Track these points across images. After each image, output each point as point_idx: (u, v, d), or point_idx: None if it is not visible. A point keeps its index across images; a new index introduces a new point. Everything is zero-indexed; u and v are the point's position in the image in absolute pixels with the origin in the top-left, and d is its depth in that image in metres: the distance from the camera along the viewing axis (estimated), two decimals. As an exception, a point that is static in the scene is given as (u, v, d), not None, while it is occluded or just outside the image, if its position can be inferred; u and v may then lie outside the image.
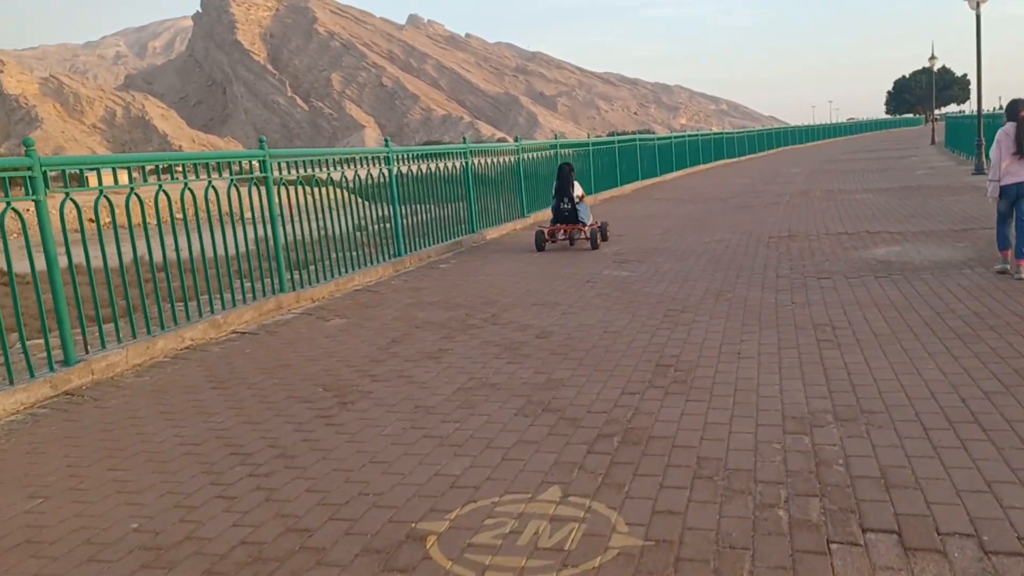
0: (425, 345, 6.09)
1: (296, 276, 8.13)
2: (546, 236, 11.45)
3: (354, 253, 9.39)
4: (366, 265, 9.42)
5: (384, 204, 10.14)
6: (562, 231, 11.52)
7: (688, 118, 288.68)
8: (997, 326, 5.58)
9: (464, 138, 13.26)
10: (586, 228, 11.32)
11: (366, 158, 9.98)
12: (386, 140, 11.83)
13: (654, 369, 5.09)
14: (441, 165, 12.02)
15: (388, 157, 10.37)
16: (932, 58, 44.78)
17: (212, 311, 6.86)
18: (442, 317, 7.09)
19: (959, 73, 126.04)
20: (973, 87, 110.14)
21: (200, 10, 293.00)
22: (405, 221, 10.57)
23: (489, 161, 13.67)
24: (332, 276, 8.64)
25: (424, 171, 11.20)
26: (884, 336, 5.52)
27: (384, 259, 9.90)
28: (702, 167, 32.32)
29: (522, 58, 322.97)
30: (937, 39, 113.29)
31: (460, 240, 11.93)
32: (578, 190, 11.55)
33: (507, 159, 14.55)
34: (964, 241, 9.54)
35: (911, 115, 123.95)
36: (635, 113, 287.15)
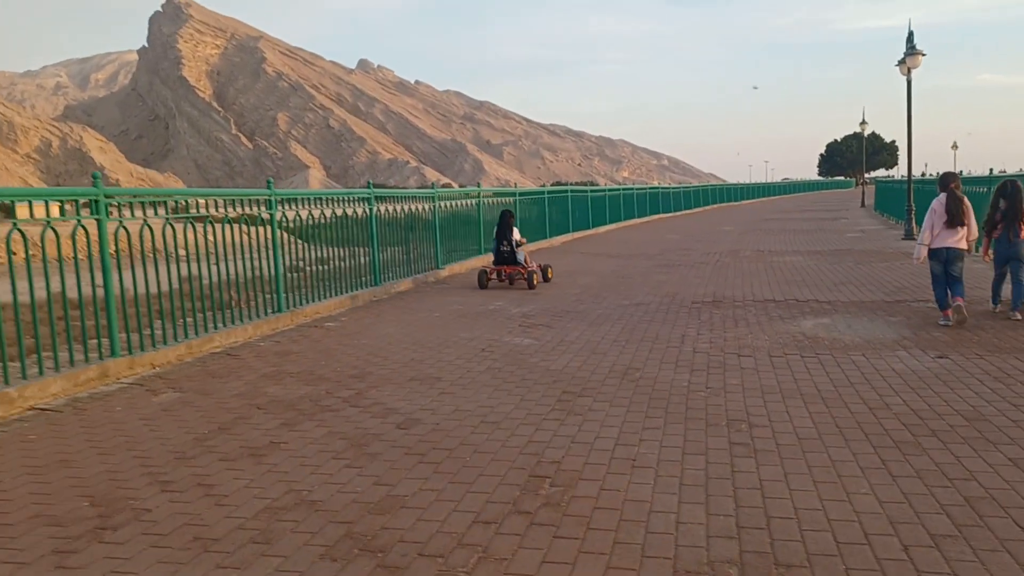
0: (255, 436, 4.92)
1: (137, 336, 6.88)
2: (489, 275, 12.39)
3: (234, 306, 8.22)
4: (238, 322, 8.20)
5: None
6: (502, 271, 12.46)
7: (631, 171, 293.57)
8: (940, 430, 4.68)
9: (368, 183, 12.24)
10: (525, 269, 12.29)
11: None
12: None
13: (525, 482, 4.02)
14: (349, 210, 10.96)
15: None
16: (863, 123, 45.74)
17: (6, 381, 5.55)
18: (296, 394, 5.92)
19: (888, 139, 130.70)
20: (901, 153, 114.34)
21: (146, 44, 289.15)
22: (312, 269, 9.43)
23: (401, 208, 12.64)
24: (186, 336, 7.39)
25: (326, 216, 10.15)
26: (809, 441, 4.56)
27: (264, 314, 8.69)
28: (637, 221, 31.87)
29: (470, 106, 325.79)
30: (868, 106, 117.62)
31: (356, 294, 10.78)
32: (516, 235, 12.53)
33: (422, 206, 13.54)
34: (898, 315, 8.81)
35: (842, 177, 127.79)
36: (579, 164, 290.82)
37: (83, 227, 6.20)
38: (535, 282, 12.12)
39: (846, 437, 4.61)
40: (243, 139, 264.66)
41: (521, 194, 19.68)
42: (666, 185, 47.39)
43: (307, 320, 9.32)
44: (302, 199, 9.64)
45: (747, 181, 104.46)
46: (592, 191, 27.55)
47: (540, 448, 4.56)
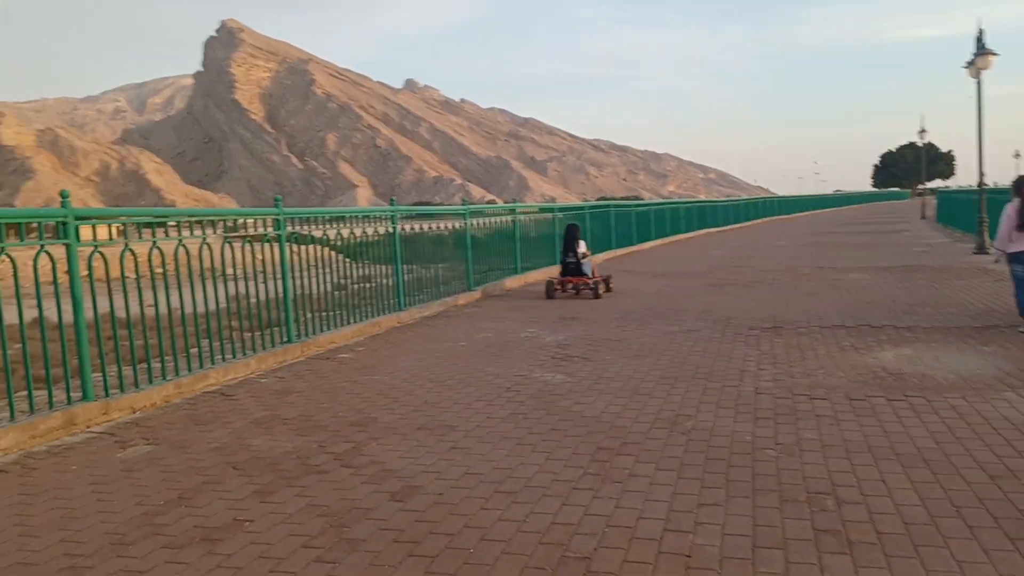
0: (218, 510, 4.01)
1: (116, 375, 6.06)
2: (556, 285, 12.84)
3: (235, 336, 7.40)
4: (240, 355, 7.36)
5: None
6: (569, 282, 12.86)
7: (677, 185, 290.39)
8: (1095, 514, 3.56)
9: (391, 200, 11.42)
10: (590, 280, 12.70)
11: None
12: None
13: (542, 591, 3.03)
14: (370, 230, 10.14)
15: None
16: (922, 131, 43.79)
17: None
18: (283, 448, 5.01)
19: (944, 149, 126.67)
20: (959, 163, 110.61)
21: (201, 69, 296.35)
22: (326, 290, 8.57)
23: (435, 226, 11.77)
24: (177, 373, 6.56)
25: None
26: (920, 528, 3.49)
27: (272, 344, 7.85)
28: (683, 236, 30.61)
29: (514, 123, 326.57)
30: (924, 116, 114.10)
31: (378, 320, 9.90)
32: (583, 247, 13.02)
33: (447, 225, 12.66)
34: (991, 344, 7.60)
35: (897, 188, 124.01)
36: (624, 179, 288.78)
37: (47, 253, 5.40)
38: (600, 292, 12.60)
39: (968, 522, 3.52)
40: (293, 159, 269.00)
41: (561, 210, 18.70)
42: (713, 199, 45.99)
43: (320, 351, 8.45)
44: (314, 218, 8.79)
45: (797, 193, 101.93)
46: (636, 206, 26.45)
47: (566, 534, 3.56)
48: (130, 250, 6.07)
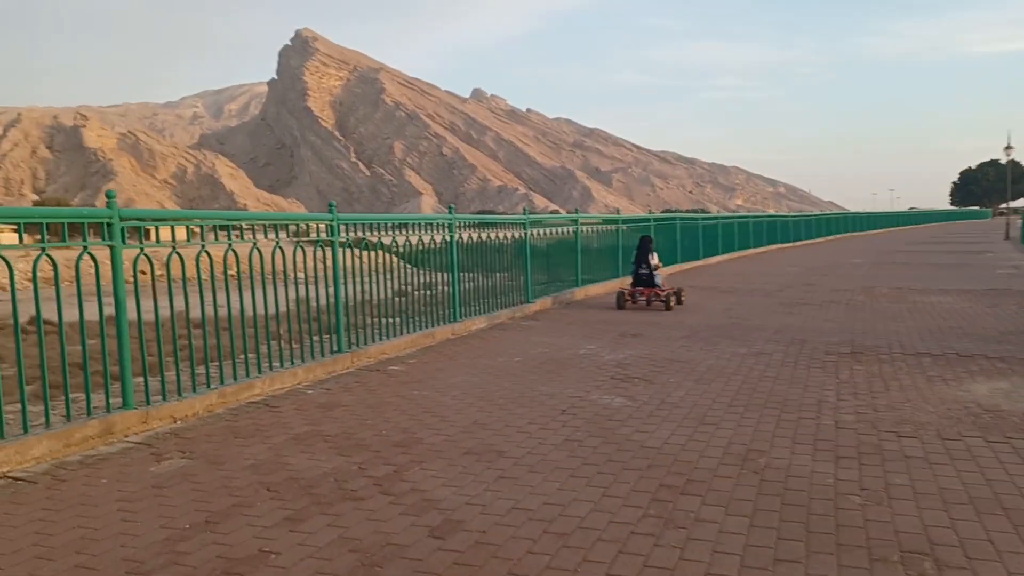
0: (244, 538, 3.71)
1: (159, 382, 5.86)
2: (627, 296, 13.00)
3: (283, 344, 7.19)
4: (287, 364, 7.13)
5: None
6: (640, 293, 13.01)
7: (744, 199, 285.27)
8: None
9: (451, 207, 11.12)
10: (662, 292, 12.82)
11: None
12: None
13: (592, 661, 2.62)
14: (426, 237, 9.87)
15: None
16: (1008, 147, 41.80)
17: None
18: (321, 468, 4.71)
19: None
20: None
21: (276, 76, 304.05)
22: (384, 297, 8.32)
23: (497, 235, 11.45)
24: (222, 381, 6.36)
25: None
26: (1042, 607, 2.97)
27: (321, 354, 7.61)
28: (752, 251, 29.69)
29: (580, 134, 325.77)
30: (1004, 133, 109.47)
31: (433, 331, 9.60)
32: (655, 259, 13.14)
33: (507, 234, 12.31)
34: (1101, 380, 6.87)
35: (977, 208, 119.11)
36: (690, 192, 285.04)
37: (90, 255, 5.23)
38: (671, 304, 12.59)
39: (1101, 602, 2.98)
40: (361, 166, 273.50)
41: (624, 221, 18.21)
42: (783, 213, 44.70)
43: (370, 362, 8.18)
44: (370, 224, 8.54)
45: (870, 210, 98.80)
46: (703, 219, 25.74)
47: (622, 589, 3.14)
48: (177, 253, 5.88)
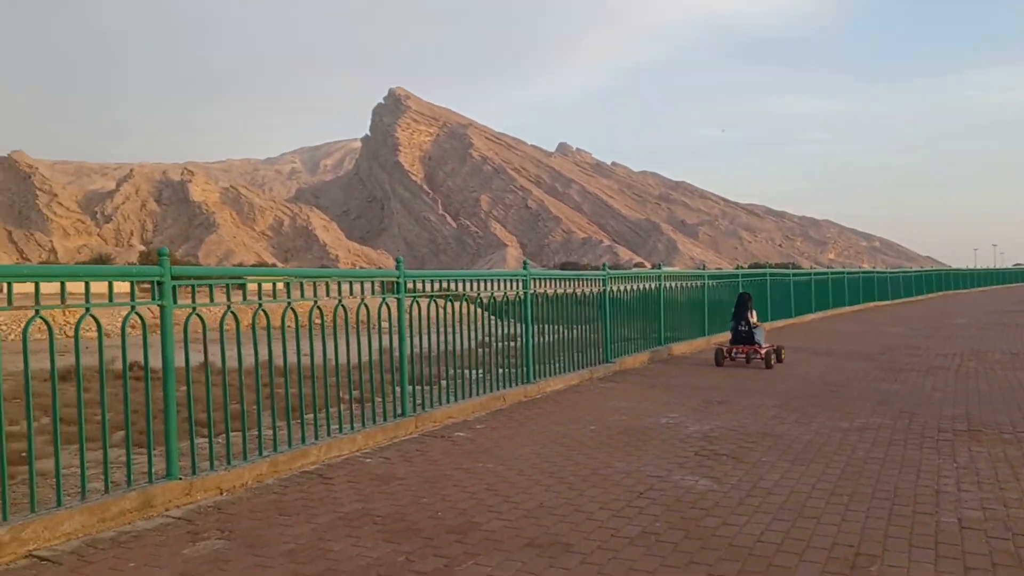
0: (264, 647, 3.25)
1: (207, 447, 5.54)
2: (725, 353, 12.85)
3: (343, 407, 6.83)
4: (347, 428, 6.75)
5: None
6: (740, 350, 12.86)
7: (837, 253, 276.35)
8: None
9: (525, 262, 10.71)
10: (762, 349, 12.64)
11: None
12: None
13: None
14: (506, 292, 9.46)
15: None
16: None
17: (3, 516, 4.27)
18: (364, 558, 4.23)
19: None
20: None
21: (369, 133, 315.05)
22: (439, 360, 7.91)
23: (582, 290, 10.95)
24: (275, 448, 6.00)
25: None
26: None
27: (384, 418, 7.21)
28: (847, 309, 28.19)
29: (665, 186, 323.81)
30: None
31: (503, 393, 9.10)
32: (754, 316, 13.07)
33: (585, 289, 11.78)
34: None
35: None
36: (780, 245, 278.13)
37: (138, 315, 4.99)
38: (772, 363, 12.40)
39: None
40: (448, 219, 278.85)
41: (711, 276, 17.43)
42: (880, 269, 42.64)
43: (435, 427, 7.72)
44: (440, 280, 8.18)
45: (972, 266, 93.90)
46: (795, 274, 24.57)
47: None
48: (232, 313, 5.60)
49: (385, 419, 7.23)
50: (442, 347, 8.12)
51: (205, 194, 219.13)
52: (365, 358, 7.05)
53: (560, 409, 8.86)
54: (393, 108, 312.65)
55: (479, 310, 9.05)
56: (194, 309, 5.35)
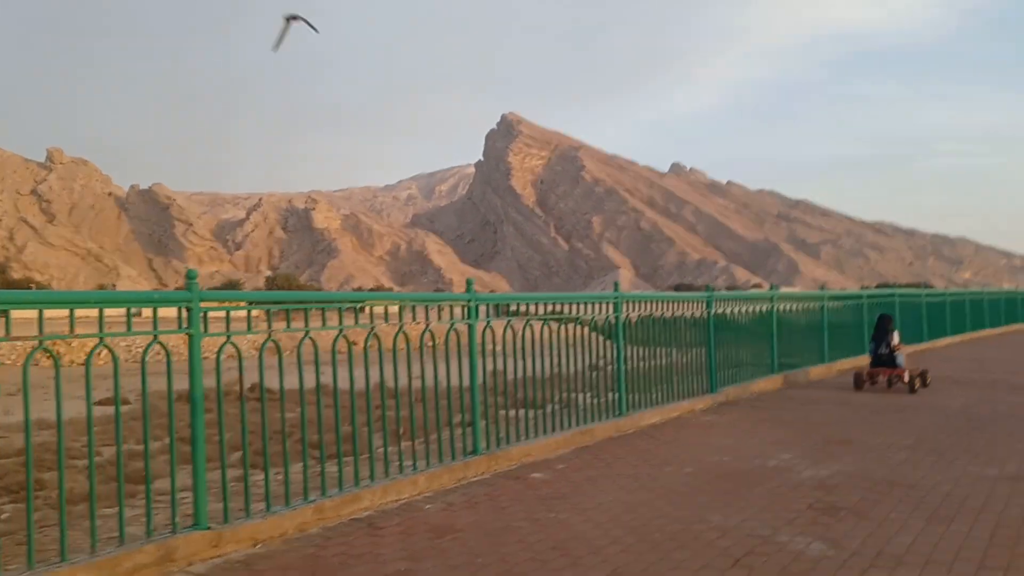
0: None
1: (243, 493, 5.01)
2: (865, 378, 12.40)
3: (403, 444, 6.23)
4: (408, 469, 6.13)
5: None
6: (881, 374, 12.39)
7: (973, 272, 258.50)
8: None
9: (615, 284, 9.83)
10: (904, 373, 12.07)
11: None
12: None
13: None
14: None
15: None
16: None
17: None
18: (391, 638, 3.55)
19: None
20: None
21: (482, 159, 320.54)
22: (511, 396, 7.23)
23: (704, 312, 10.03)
24: (323, 492, 5.42)
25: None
26: None
27: (452, 456, 6.56)
28: (988, 332, 25.65)
29: (785, 205, 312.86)
30: None
31: (590, 428, 8.27)
32: (896, 339, 12.52)
33: (689, 312, 10.79)
34: None
35: None
36: (910, 264, 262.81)
37: (160, 343, 4.53)
38: (916, 387, 11.86)
39: None
40: (560, 241, 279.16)
41: (831, 298, 15.99)
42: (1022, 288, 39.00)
43: (510, 466, 7.00)
44: (506, 302, 7.49)
45: None
46: (927, 294, 22.50)
47: None
48: (273, 341, 5.09)
49: (453, 458, 6.57)
50: (537, 372, 7.43)
51: (327, 221, 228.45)
52: (441, 386, 6.43)
53: (654, 447, 7.96)
54: (505, 133, 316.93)
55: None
56: (228, 338, 4.86)
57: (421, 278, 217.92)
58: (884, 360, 12.45)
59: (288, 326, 5.48)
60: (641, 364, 9.42)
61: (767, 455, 7.45)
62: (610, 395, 8.89)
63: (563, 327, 8.17)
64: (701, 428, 9.05)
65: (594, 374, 8.63)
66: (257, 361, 5.10)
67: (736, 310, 12.04)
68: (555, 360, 7.90)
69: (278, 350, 5.10)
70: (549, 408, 7.82)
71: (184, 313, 4.62)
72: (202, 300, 4.65)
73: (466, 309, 6.80)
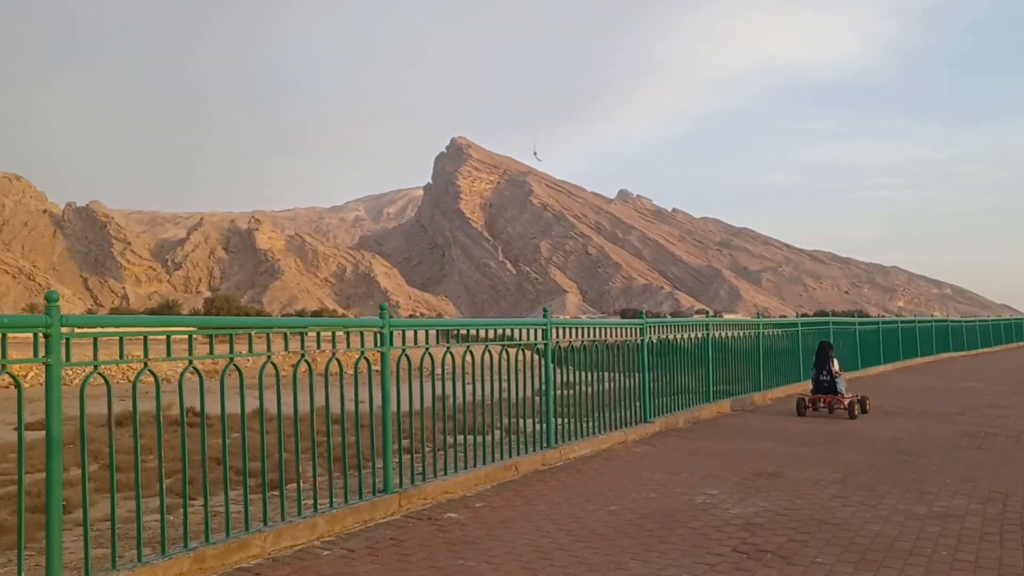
0: None
1: (101, 542, 4.48)
2: (807, 403, 12.69)
3: (299, 487, 5.73)
4: (308, 511, 5.65)
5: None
6: (822, 400, 12.73)
7: (906, 301, 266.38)
8: None
9: (544, 309, 9.51)
10: (844, 399, 12.47)
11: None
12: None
13: None
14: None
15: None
16: None
17: None
18: None
19: None
20: None
21: (431, 182, 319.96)
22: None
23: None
24: (207, 539, 4.90)
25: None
26: None
27: (360, 496, 6.09)
28: (919, 360, 26.09)
29: (727, 233, 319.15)
30: None
31: (516, 461, 7.88)
32: (836, 365, 12.89)
33: (622, 337, 10.53)
34: None
35: None
36: (846, 292, 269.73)
37: (10, 375, 4.01)
38: (855, 412, 12.19)
39: None
40: (508, 265, 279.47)
41: (766, 325, 15.95)
42: (954, 318, 40.04)
43: (424, 505, 6.55)
44: (424, 328, 7.08)
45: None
46: (861, 322, 22.75)
47: None
48: (151, 371, 4.60)
49: (361, 496, 6.11)
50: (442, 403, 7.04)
51: (271, 242, 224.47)
52: (353, 415, 5.97)
53: (580, 482, 7.60)
54: (455, 157, 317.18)
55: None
56: (96, 367, 4.36)
57: (367, 301, 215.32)
58: (825, 387, 12.80)
59: (212, 351, 4.99)
60: (568, 392, 9.11)
61: (695, 490, 7.16)
62: (539, 425, 8.53)
63: (505, 352, 7.86)
64: (632, 461, 8.73)
65: (525, 403, 8.31)
66: (130, 392, 4.60)
67: (671, 337, 11.82)
68: (488, 387, 7.54)
69: (155, 378, 4.61)
70: (474, 439, 7.42)
71: (42, 340, 4.11)
72: (64, 325, 4.15)
73: (379, 336, 6.37)
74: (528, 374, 8.26)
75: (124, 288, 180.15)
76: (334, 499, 5.89)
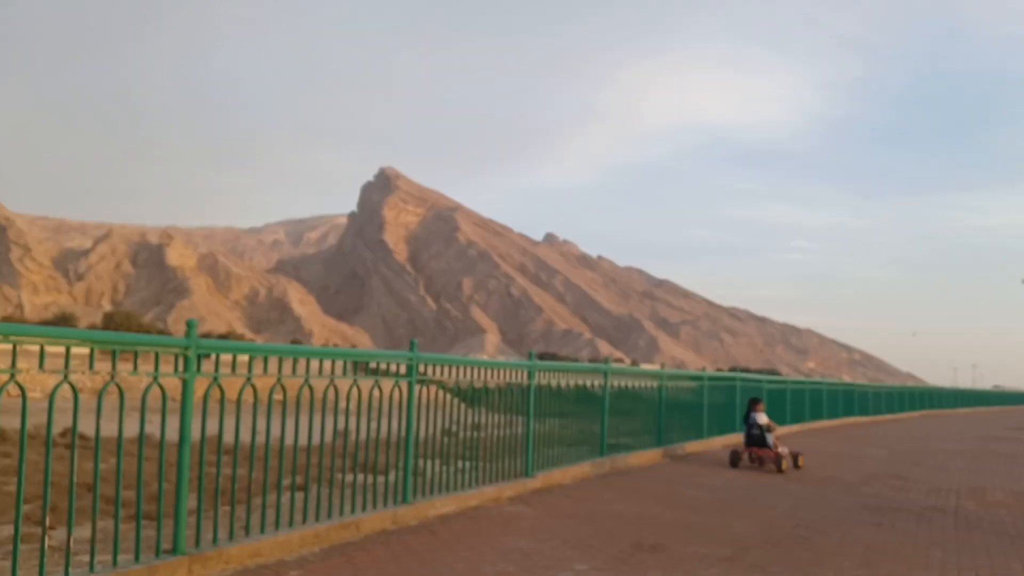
0: None
1: None
2: (741, 455, 13.11)
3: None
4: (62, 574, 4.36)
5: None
6: (754, 452, 13.07)
7: (817, 363, 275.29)
8: None
9: (412, 342, 8.46)
10: (772, 452, 12.84)
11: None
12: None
13: None
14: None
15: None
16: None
17: None
18: None
19: None
20: None
21: (356, 210, 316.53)
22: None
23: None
24: None
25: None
26: None
27: (137, 559, 4.82)
28: (825, 423, 25.94)
29: (650, 283, 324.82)
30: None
31: (357, 521, 6.68)
32: (764, 419, 13.17)
33: (510, 381, 9.51)
34: None
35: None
36: (761, 350, 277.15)
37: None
38: (784, 467, 12.52)
39: None
40: (429, 300, 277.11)
41: (670, 377, 15.21)
42: (861, 382, 40.66)
43: (225, 571, 5.29)
44: (248, 353, 5.88)
45: (951, 385, 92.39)
46: (769, 381, 22.39)
47: None
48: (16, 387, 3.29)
49: (138, 559, 4.83)
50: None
51: (182, 259, 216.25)
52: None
53: (429, 548, 6.46)
54: (382, 187, 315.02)
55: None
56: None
57: (279, 327, 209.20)
58: (756, 439, 13.15)
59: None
60: (443, 438, 8.00)
61: (561, 565, 6.12)
62: (392, 475, 7.37)
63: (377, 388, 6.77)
64: (500, 523, 7.64)
65: (395, 446, 7.25)
66: None
67: (563, 383, 10.86)
68: (345, 424, 6.38)
69: None
70: (317, 489, 6.21)
71: None
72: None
73: (182, 359, 5.13)
74: (397, 413, 7.18)
75: (20, 296, 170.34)
76: (96, 560, 4.59)
